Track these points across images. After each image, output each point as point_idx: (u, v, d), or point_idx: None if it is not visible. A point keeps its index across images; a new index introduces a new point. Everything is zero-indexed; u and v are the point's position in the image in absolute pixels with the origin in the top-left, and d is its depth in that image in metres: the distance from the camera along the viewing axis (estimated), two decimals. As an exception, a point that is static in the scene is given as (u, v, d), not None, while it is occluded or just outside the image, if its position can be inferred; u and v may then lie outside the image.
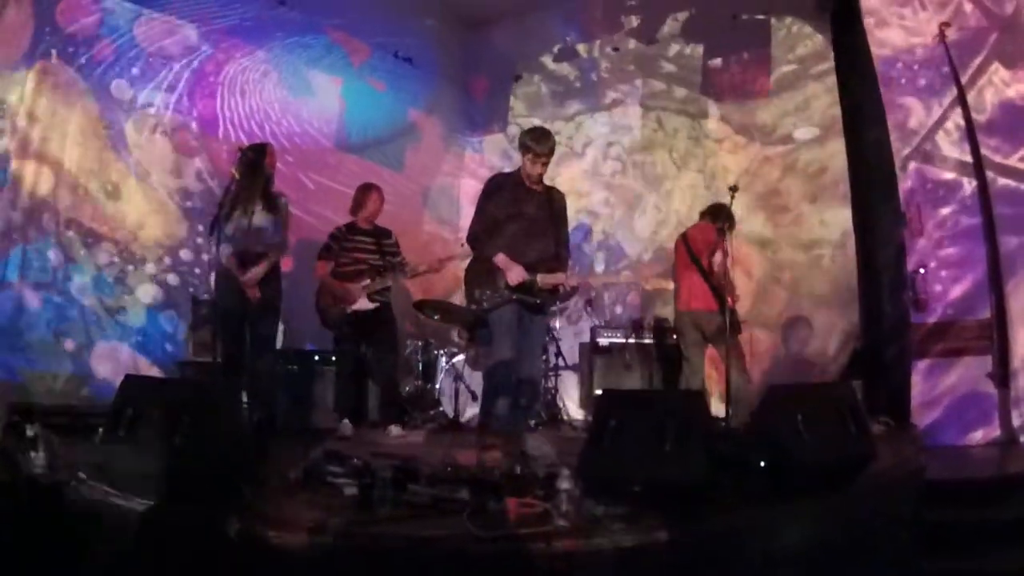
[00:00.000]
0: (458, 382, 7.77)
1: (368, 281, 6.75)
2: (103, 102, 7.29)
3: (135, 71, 7.53)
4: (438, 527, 3.26)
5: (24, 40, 6.76)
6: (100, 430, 3.81)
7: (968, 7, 6.60)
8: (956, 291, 6.47)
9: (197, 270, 7.66)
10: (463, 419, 7.61)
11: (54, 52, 6.95)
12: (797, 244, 8.57)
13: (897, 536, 4.21)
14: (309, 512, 3.42)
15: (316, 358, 7.32)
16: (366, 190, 7.09)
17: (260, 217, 5.98)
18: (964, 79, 6.54)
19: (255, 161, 5.96)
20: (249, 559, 3.04)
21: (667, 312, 8.55)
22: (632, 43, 9.97)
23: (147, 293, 7.43)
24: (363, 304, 6.74)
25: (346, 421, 6.59)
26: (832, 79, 8.07)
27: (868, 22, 6.74)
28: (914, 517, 4.38)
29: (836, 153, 8.17)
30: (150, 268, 7.48)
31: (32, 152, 6.78)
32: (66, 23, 7.05)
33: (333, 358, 7.23)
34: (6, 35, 6.63)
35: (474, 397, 7.74)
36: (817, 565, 3.63)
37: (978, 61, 6.54)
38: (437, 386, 7.78)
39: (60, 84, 6.99)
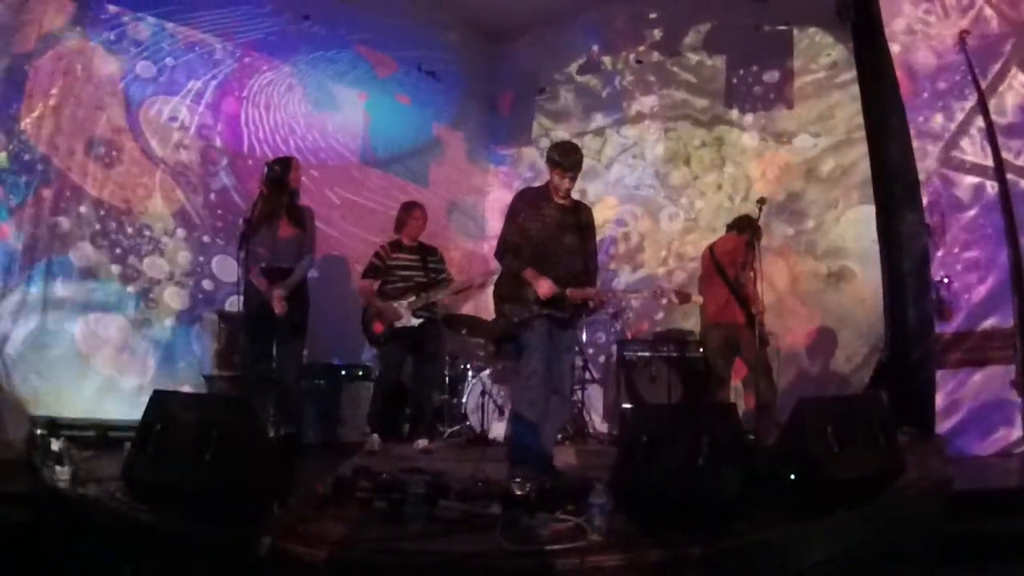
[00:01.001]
0: (484, 396, 7.73)
1: (413, 298, 6.81)
2: (129, 115, 7.32)
3: (160, 84, 7.57)
4: (471, 542, 3.24)
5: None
6: (127, 445, 3.80)
7: (988, 12, 6.62)
8: (980, 298, 6.45)
9: (224, 284, 7.64)
10: (490, 434, 7.56)
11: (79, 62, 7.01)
12: (821, 253, 8.52)
13: (925, 547, 4.18)
14: (339, 528, 3.42)
15: (343, 372, 7.32)
16: (409, 208, 7.17)
17: (287, 232, 6.00)
18: (984, 85, 6.55)
19: (281, 176, 6.00)
20: (281, 576, 3.01)
21: (692, 325, 8.51)
22: (655, 55, 9.96)
23: (173, 307, 7.43)
24: (408, 320, 6.79)
25: (375, 435, 6.63)
26: (854, 88, 8.00)
27: (889, 31, 6.73)
28: (941, 528, 4.35)
29: (859, 161, 8.13)
30: (176, 282, 7.49)
31: (56, 164, 6.82)
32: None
33: (360, 372, 7.24)
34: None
35: (500, 412, 7.71)
36: (847, 578, 3.60)
37: (998, 66, 6.56)
38: (464, 400, 7.74)
39: (90, 85, 7.06)
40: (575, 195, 5.69)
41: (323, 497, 3.94)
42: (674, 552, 3.17)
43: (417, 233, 7.10)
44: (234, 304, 7.08)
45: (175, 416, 3.60)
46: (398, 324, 6.79)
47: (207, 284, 7.68)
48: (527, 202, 5.52)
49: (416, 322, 6.83)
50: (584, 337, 8.49)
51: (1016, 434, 6.20)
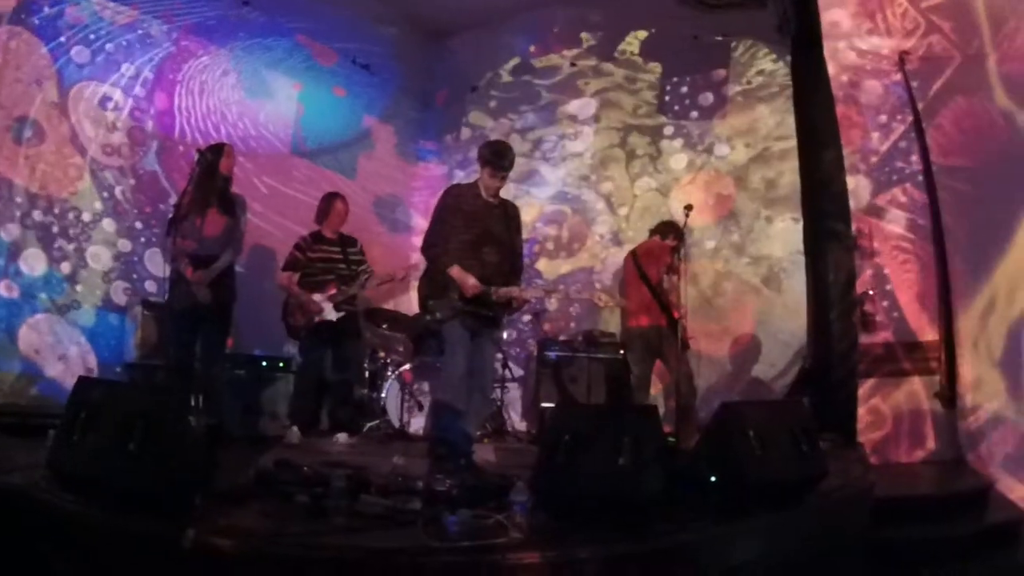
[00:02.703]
0: (404, 391, 7.77)
1: (333, 291, 6.78)
2: (62, 94, 7.15)
3: (96, 66, 7.39)
4: (393, 538, 3.26)
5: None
6: (51, 432, 3.76)
7: (933, 38, 6.83)
8: (905, 312, 6.69)
9: (151, 272, 7.53)
10: (409, 429, 7.61)
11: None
12: (748, 261, 8.74)
13: (848, 552, 4.30)
14: (262, 521, 3.43)
15: (264, 364, 7.28)
16: (331, 199, 7.14)
17: (216, 220, 5.95)
18: (922, 105, 6.76)
19: (213, 162, 5.93)
20: (204, 570, 3.02)
21: (614, 326, 8.67)
22: (591, 59, 10.05)
23: (99, 293, 7.28)
24: (329, 314, 6.76)
25: (294, 429, 6.58)
26: (786, 100, 8.21)
27: (832, 46, 6.89)
28: (864, 533, 4.49)
29: (786, 172, 8.36)
30: (102, 267, 7.33)
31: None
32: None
33: (281, 364, 7.22)
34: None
35: (420, 407, 7.76)
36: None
37: (937, 88, 6.77)
38: (383, 395, 7.76)
39: (23, 68, 6.88)
40: (504, 194, 5.76)
41: (245, 490, 3.94)
42: (595, 551, 3.22)
43: (338, 225, 7.09)
44: (161, 291, 6.98)
45: (100, 405, 3.56)
46: (318, 317, 6.78)
47: (134, 271, 7.54)
48: (456, 199, 5.58)
49: (337, 315, 6.81)
50: (506, 335, 8.56)
51: (938, 443, 6.49)
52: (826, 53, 6.86)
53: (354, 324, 7.07)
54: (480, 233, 5.49)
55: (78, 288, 7.15)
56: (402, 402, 7.68)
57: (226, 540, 3.09)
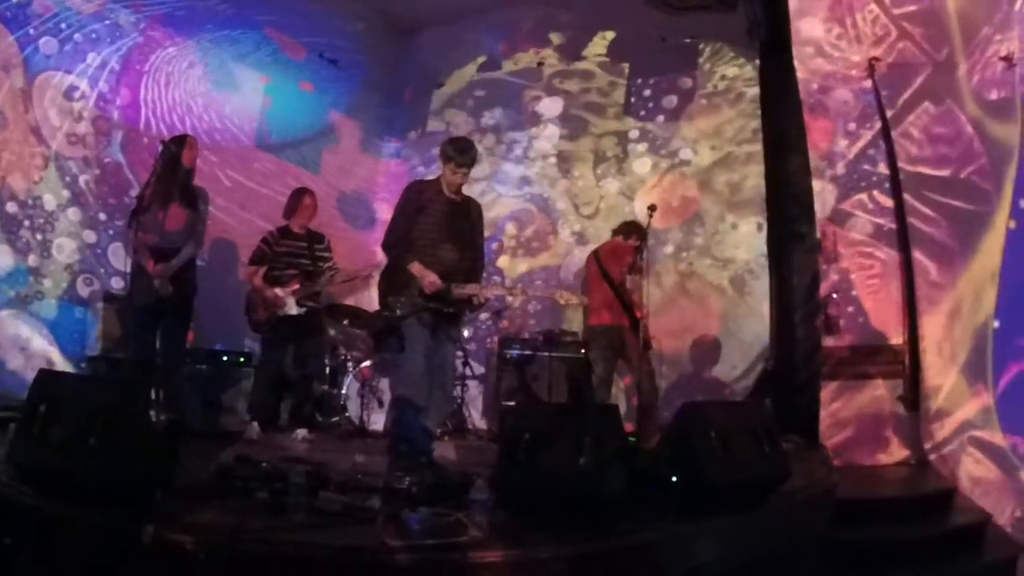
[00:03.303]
0: (365, 388, 7.76)
1: (297, 286, 6.77)
2: (28, 83, 7.05)
3: (64, 53, 7.29)
4: (352, 536, 3.28)
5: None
6: (11, 425, 3.73)
7: (903, 44, 6.90)
8: (870, 316, 6.79)
9: (114, 264, 7.43)
10: (368, 426, 7.60)
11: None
12: (712, 263, 8.81)
13: (811, 553, 4.35)
14: (222, 517, 3.42)
15: (225, 359, 7.22)
16: (300, 195, 7.12)
17: (178, 212, 5.91)
18: (891, 113, 6.83)
19: (176, 155, 5.89)
20: (165, 566, 3.03)
21: (576, 325, 8.72)
22: (558, 58, 10.06)
23: (62, 285, 7.19)
24: (291, 309, 6.75)
25: (254, 424, 6.57)
26: (751, 104, 8.31)
27: (802, 52, 6.93)
28: (827, 534, 4.54)
29: (752, 175, 8.41)
30: (65, 259, 7.24)
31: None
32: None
33: (242, 359, 7.19)
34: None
35: (380, 404, 7.76)
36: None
37: (907, 95, 6.85)
38: (344, 391, 7.76)
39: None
40: (467, 191, 5.77)
41: (205, 486, 3.94)
42: (557, 550, 3.25)
43: (307, 220, 7.08)
44: (124, 284, 6.93)
45: (61, 398, 3.55)
46: (281, 312, 6.75)
47: (97, 263, 7.45)
48: (418, 195, 5.59)
49: (299, 311, 6.79)
50: (466, 333, 8.54)
51: (902, 447, 6.60)
52: (796, 59, 6.89)
53: (316, 320, 7.06)
54: (441, 230, 5.50)
55: (44, 281, 7.06)
56: (362, 399, 7.68)
57: (186, 536, 3.08)
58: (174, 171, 5.90)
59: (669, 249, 8.93)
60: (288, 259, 6.89)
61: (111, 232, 7.52)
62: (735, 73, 9.01)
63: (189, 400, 6.46)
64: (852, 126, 6.98)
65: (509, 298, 8.55)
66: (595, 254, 7.54)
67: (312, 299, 6.92)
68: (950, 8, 6.83)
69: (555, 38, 10.14)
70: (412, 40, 10.89)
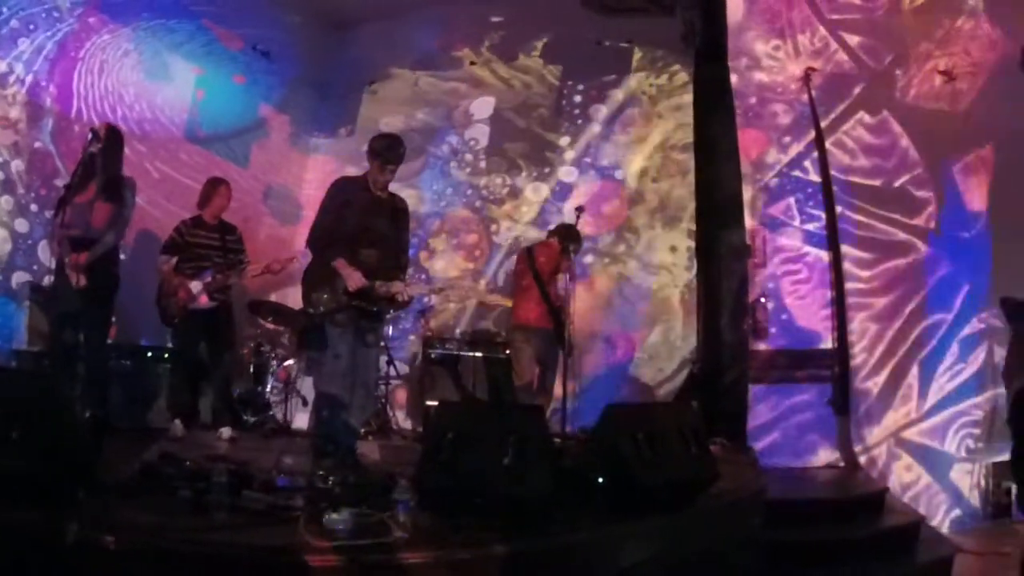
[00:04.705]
0: (289, 387, 7.73)
1: (209, 279, 6.66)
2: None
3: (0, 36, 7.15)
4: (275, 535, 3.29)
5: None
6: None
7: (842, 56, 7.10)
8: (799, 320, 6.99)
9: (39, 254, 7.30)
10: (293, 425, 7.58)
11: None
12: (640, 267, 8.96)
13: (740, 554, 4.43)
14: (145, 516, 3.39)
15: (150, 354, 7.15)
16: (214, 184, 7.00)
17: (103, 203, 5.81)
18: (826, 122, 7.03)
19: (104, 145, 5.81)
20: (88, 565, 3.02)
21: (501, 326, 8.80)
22: (493, 59, 10.09)
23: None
24: (203, 302, 6.65)
25: (177, 422, 6.46)
26: (683, 111, 8.38)
27: (738, 62, 7.07)
28: (756, 535, 4.62)
29: (683, 183, 8.51)
30: (-4, 250, 7.06)
31: None
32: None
33: (166, 354, 7.10)
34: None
35: (304, 403, 7.73)
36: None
37: (843, 106, 7.06)
38: (268, 390, 7.72)
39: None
40: (394, 189, 5.76)
41: (128, 484, 3.93)
42: (481, 551, 3.27)
43: (220, 211, 6.94)
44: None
45: (-17, 392, 3.52)
46: (191, 305, 6.62)
47: (25, 254, 7.30)
48: (343, 191, 5.56)
49: (211, 304, 6.68)
50: (390, 332, 8.59)
51: (831, 449, 6.80)
52: (732, 70, 7.00)
53: (227, 315, 6.92)
54: (366, 227, 5.46)
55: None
56: (286, 397, 7.65)
57: (108, 535, 3.05)
58: (101, 161, 5.79)
59: (598, 253, 9.05)
60: (199, 250, 6.75)
61: (42, 222, 7.36)
62: (667, 80, 9.15)
63: (112, 395, 6.35)
64: (787, 139, 7.15)
65: (434, 297, 8.60)
66: (527, 252, 7.60)
67: (222, 293, 6.78)
68: (891, 20, 7.05)
69: (490, 38, 10.15)
70: (347, 35, 10.77)
